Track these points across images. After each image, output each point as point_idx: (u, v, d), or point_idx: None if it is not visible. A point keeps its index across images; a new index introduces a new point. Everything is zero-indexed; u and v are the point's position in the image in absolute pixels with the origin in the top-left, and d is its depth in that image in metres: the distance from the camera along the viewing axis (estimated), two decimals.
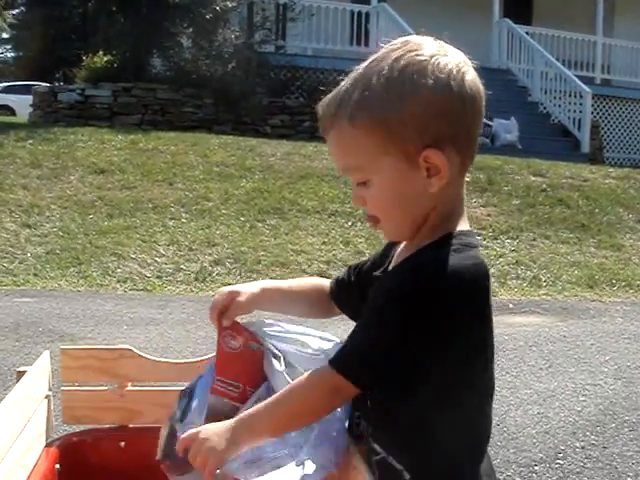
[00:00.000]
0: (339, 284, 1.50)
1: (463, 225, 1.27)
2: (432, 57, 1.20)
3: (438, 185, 1.22)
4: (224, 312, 1.42)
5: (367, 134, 1.21)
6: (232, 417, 1.31)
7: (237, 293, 1.44)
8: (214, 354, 1.44)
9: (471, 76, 1.23)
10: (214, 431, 1.25)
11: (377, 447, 1.26)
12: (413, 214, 1.25)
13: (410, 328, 1.17)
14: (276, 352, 1.41)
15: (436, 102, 1.19)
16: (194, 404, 1.39)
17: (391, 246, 1.39)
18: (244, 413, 1.28)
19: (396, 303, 1.19)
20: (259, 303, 1.47)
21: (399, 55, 1.21)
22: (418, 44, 1.23)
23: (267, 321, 1.47)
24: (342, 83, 1.26)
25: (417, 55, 1.20)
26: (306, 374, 1.26)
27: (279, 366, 1.38)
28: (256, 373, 1.41)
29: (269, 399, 1.29)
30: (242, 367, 1.38)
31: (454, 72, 1.20)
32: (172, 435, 1.38)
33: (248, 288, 1.46)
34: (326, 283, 1.54)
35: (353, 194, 1.30)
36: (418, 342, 1.17)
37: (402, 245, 1.34)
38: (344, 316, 1.51)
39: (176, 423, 1.39)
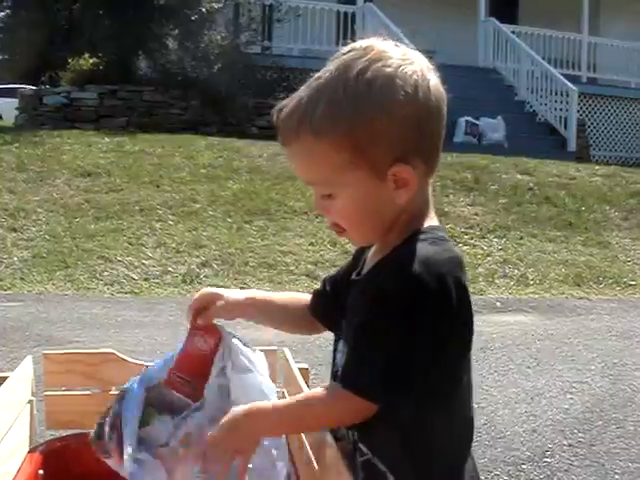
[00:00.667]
0: (316, 296, 1.49)
1: (431, 222, 1.27)
2: (398, 68, 1.18)
3: (407, 197, 1.21)
4: (201, 311, 1.39)
5: (333, 148, 1.18)
6: (181, 409, 1.32)
7: (219, 296, 1.41)
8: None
9: (434, 82, 1.22)
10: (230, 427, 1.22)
11: (363, 448, 1.25)
12: (381, 223, 1.25)
13: (414, 332, 1.15)
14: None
15: (404, 115, 1.18)
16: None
17: (362, 249, 1.38)
18: (253, 408, 1.24)
19: (392, 311, 1.16)
20: (242, 311, 1.44)
21: (365, 66, 1.18)
22: (382, 52, 1.20)
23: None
24: (301, 92, 1.22)
25: (384, 66, 1.18)
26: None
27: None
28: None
29: (282, 402, 1.27)
30: (202, 369, 1.36)
31: (420, 82, 1.19)
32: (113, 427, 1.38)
33: (233, 294, 1.43)
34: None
35: (316, 204, 1.28)
36: (423, 345, 1.15)
37: (373, 248, 1.33)
38: None
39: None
